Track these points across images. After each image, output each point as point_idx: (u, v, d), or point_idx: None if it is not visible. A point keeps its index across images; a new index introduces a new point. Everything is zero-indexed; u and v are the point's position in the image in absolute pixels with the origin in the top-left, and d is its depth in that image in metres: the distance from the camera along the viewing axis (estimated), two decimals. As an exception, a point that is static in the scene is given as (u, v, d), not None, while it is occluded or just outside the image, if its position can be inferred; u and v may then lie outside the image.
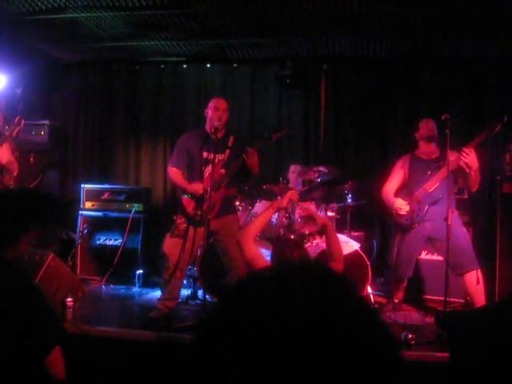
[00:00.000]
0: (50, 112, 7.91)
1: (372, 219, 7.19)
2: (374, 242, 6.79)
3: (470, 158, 4.82)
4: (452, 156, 4.92)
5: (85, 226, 6.96)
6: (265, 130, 6.72)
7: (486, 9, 5.41)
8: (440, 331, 4.37)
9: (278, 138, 5.54)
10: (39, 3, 5.56)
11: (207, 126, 5.22)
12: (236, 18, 6.02)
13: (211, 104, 5.22)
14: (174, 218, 5.19)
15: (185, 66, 7.84)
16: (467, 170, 4.90)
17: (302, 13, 5.73)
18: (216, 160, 4.94)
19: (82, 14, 5.96)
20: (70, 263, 6.70)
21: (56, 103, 8.11)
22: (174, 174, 5.24)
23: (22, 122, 5.49)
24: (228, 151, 5.19)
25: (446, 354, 3.73)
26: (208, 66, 7.77)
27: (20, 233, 2.53)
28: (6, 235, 2.51)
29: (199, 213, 4.99)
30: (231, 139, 5.22)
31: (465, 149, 4.84)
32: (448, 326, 4.02)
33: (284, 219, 6.01)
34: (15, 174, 5.54)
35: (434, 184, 5.10)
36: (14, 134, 5.48)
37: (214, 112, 5.12)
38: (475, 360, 1.52)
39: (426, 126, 5.26)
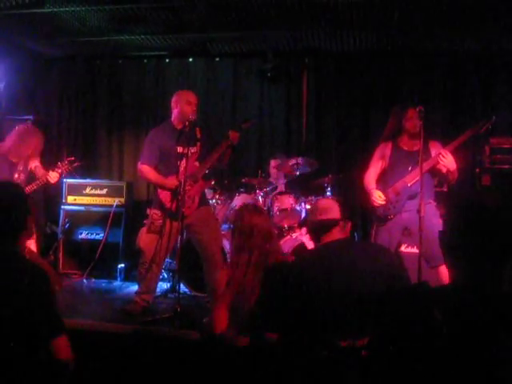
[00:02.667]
0: (33, 107, 7.92)
1: (353, 211, 7.19)
2: (356, 235, 6.80)
3: (446, 161, 4.87)
4: (435, 148, 4.94)
5: (67, 220, 6.97)
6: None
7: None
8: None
9: (247, 128, 5.55)
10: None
11: (174, 120, 5.20)
12: (216, 12, 6.02)
13: (183, 97, 5.17)
14: (149, 212, 5.20)
15: (167, 60, 7.85)
16: (444, 171, 4.94)
17: (283, 6, 5.73)
18: (189, 153, 4.94)
19: (61, 9, 5.97)
20: (52, 257, 6.74)
21: (39, 98, 8.12)
22: (147, 170, 5.17)
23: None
24: (199, 143, 5.19)
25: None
26: (190, 60, 7.79)
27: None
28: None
29: (176, 207, 5.02)
30: (198, 131, 5.18)
31: (441, 151, 4.87)
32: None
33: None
34: None
35: (414, 178, 5.08)
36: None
37: (187, 106, 5.10)
38: None
39: (412, 121, 5.21)
